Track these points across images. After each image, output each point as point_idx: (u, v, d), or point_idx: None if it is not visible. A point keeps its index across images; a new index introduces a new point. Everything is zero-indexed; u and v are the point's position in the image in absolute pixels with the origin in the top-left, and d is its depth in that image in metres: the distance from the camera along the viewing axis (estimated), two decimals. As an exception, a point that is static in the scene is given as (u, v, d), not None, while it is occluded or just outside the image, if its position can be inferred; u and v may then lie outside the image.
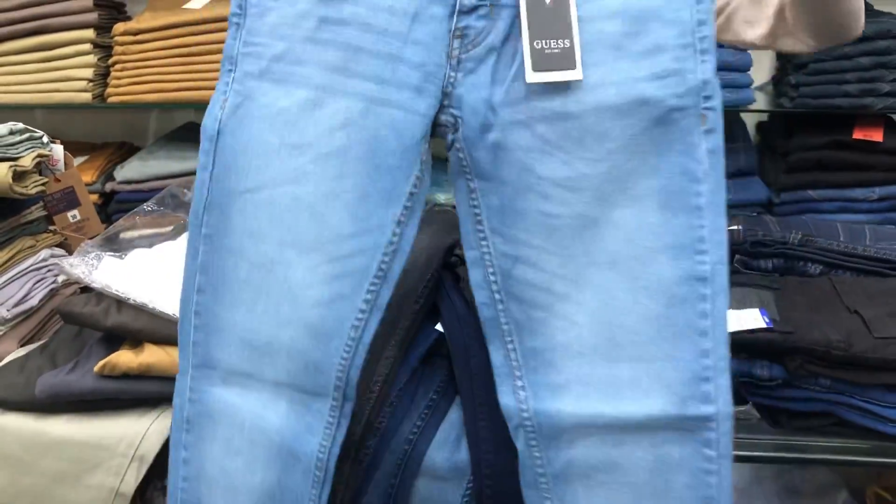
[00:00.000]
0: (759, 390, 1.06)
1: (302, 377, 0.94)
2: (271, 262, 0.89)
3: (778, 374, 1.04)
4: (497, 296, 0.88)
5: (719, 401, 0.82)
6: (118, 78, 2.11)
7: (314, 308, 0.90)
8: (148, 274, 1.11)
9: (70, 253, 1.37)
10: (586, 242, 0.84)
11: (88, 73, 2.12)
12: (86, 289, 1.14)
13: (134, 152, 2.31)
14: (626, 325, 0.83)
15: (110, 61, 2.11)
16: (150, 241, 1.18)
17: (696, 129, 0.83)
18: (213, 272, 0.95)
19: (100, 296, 1.08)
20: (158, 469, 1.07)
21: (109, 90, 2.13)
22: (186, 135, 2.34)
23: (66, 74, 2.11)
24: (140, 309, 1.07)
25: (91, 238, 1.37)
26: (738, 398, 1.10)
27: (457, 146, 0.87)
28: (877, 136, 1.96)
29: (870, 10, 2.01)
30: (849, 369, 1.01)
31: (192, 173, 2.24)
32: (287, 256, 0.89)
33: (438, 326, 1.08)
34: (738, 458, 0.97)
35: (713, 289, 0.82)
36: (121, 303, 1.08)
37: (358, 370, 0.92)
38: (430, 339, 1.06)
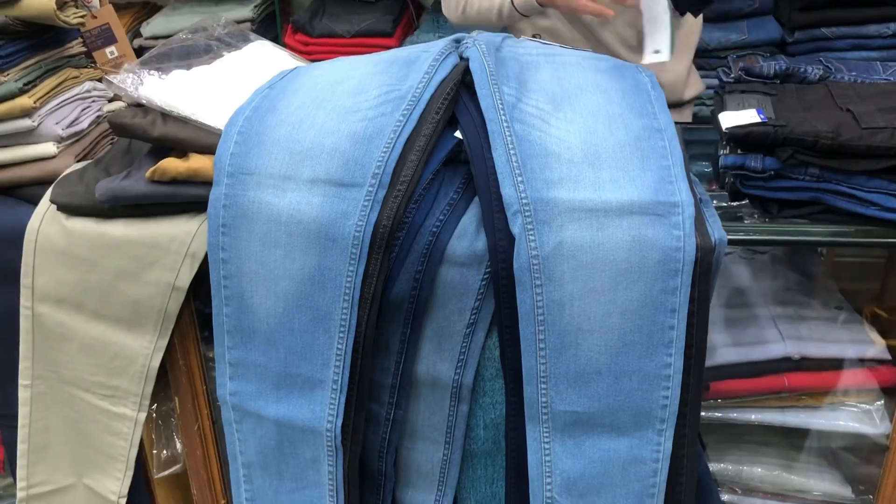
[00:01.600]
0: (753, 182, 1.15)
1: (341, 172, 1.07)
2: (324, 97, 1.13)
3: (770, 166, 1.13)
4: (503, 115, 1.07)
5: (682, 194, 1.02)
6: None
7: (359, 122, 1.09)
8: (188, 90, 1.20)
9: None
10: (573, 101, 1.13)
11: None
12: (131, 108, 1.23)
13: (157, 10, 2.36)
14: (606, 146, 1.06)
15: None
16: (187, 64, 1.26)
17: None
18: (263, 108, 1.14)
19: (146, 109, 1.18)
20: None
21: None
22: (206, -10, 2.38)
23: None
24: (184, 121, 1.17)
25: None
26: (734, 193, 1.19)
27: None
28: (891, -33, 1.97)
29: None
30: (836, 158, 1.10)
31: (213, 28, 2.27)
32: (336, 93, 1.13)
33: (458, 134, 1.16)
34: (732, 242, 1.07)
35: (668, 133, 1.09)
36: (166, 115, 1.17)
37: (394, 161, 1.07)
38: (450, 145, 1.15)
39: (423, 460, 1.20)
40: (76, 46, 1.40)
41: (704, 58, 2.05)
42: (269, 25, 2.29)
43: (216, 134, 1.16)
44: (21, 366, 1.27)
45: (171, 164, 1.14)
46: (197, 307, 1.26)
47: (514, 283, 1.05)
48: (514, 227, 1.03)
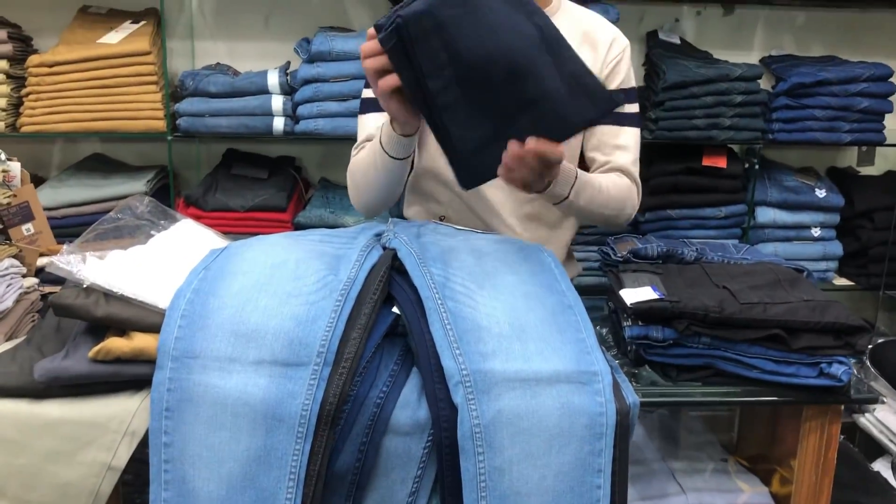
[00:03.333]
0: (654, 350, 1.32)
1: (286, 352, 1.13)
2: (263, 281, 1.21)
3: (669, 336, 1.30)
4: (436, 293, 1.21)
5: (600, 363, 1.16)
6: (32, 108, 2.18)
7: (301, 306, 1.17)
8: (128, 270, 1.23)
9: (24, 263, 1.45)
10: (493, 280, 1.27)
11: (1, 102, 2.17)
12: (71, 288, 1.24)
13: (39, 182, 2.35)
14: (528, 321, 1.19)
15: (23, 92, 2.17)
16: (123, 245, 1.30)
17: None
18: (203, 290, 1.20)
19: (87, 290, 1.19)
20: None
21: (23, 119, 2.18)
22: (94, 164, 2.41)
23: (-21, 104, 2.15)
24: (127, 300, 1.19)
25: (44, 251, 1.48)
26: (638, 359, 1.35)
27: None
28: (721, 163, 2.33)
29: (709, 58, 2.40)
30: (722, 328, 1.29)
31: (104, 200, 2.33)
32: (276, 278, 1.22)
33: (395, 310, 1.26)
34: (643, 404, 1.21)
35: (577, 308, 1.25)
36: (108, 295, 1.19)
37: (338, 340, 1.13)
38: (388, 320, 1.25)
39: None
40: (-6, 224, 1.40)
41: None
42: (162, 199, 2.33)
43: (158, 313, 1.19)
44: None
45: (116, 344, 1.15)
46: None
47: (457, 450, 1.13)
48: (457, 396, 1.13)
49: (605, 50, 1.60)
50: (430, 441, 1.16)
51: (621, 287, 1.36)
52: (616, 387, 1.18)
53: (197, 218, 2.24)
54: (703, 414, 1.84)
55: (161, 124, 2.20)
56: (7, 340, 1.27)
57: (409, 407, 1.17)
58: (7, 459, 1.15)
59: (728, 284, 1.34)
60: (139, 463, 1.16)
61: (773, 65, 2.46)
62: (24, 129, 2.19)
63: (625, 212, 1.54)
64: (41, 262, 1.60)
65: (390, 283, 1.28)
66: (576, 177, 1.42)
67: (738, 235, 2.41)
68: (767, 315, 1.27)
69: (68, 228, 2.01)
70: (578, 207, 1.45)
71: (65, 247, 1.25)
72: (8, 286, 1.33)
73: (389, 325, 1.24)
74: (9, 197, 1.31)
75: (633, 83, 1.64)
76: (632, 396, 1.18)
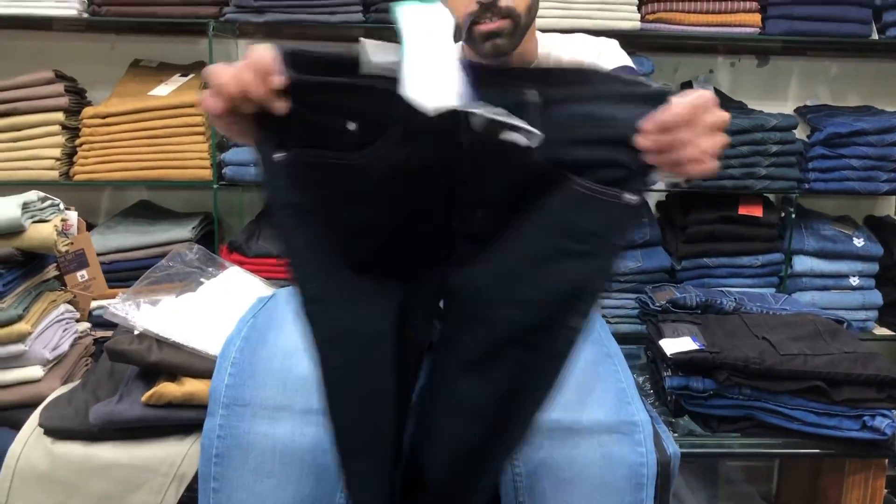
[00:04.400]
0: (695, 401, 1.32)
1: None
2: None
3: (709, 387, 1.30)
4: None
5: (640, 413, 1.16)
6: (85, 157, 2.25)
7: None
8: (179, 318, 1.27)
9: (78, 309, 1.50)
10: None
11: (56, 152, 2.25)
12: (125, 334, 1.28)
13: (89, 228, 2.42)
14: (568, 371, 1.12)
15: (77, 142, 2.24)
16: (174, 292, 1.34)
17: None
18: (252, 339, 1.22)
19: (140, 336, 1.24)
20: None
21: (76, 168, 2.26)
22: (141, 211, 2.48)
23: (35, 154, 2.23)
24: (178, 347, 1.23)
25: (96, 297, 1.53)
26: (678, 409, 1.35)
27: None
28: (757, 212, 2.33)
29: (743, 108, 2.42)
30: (763, 380, 1.29)
31: (152, 246, 2.38)
32: None
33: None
34: (683, 455, 1.21)
35: (617, 359, 1.24)
36: (160, 342, 1.24)
37: None
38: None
39: None
40: (51, 271, 1.45)
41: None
42: (206, 244, 2.38)
43: (209, 359, 1.23)
44: None
45: (168, 389, 1.19)
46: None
47: (498, 500, 1.14)
48: None
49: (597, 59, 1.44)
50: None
51: (661, 337, 1.37)
52: (657, 437, 1.19)
53: (240, 264, 2.29)
54: (743, 465, 1.83)
55: (208, 173, 2.26)
56: (63, 384, 1.32)
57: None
58: (62, 500, 1.19)
59: (768, 335, 1.34)
60: (188, 506, 1.19)
61: (808, 115, 2.46)
62: (76, 177, 2.26)
63: None
64: (93, 304, 1.66)
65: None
66: None
67: (776, 284, 2.40)
68: (808, 367, 1.27)
69: (117, 273, 2.06)
70: None
71: (120, 294, 1.29)
72: (64, 331, 1.38)
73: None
74: (66, 245, 1.37)
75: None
76: (672, 447, 1.18)
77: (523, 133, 0.89)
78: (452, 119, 0.88)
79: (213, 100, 0.87)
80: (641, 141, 0.87)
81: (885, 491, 1.62)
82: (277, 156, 0.92)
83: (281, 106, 0.88)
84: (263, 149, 0.92)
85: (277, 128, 0.90)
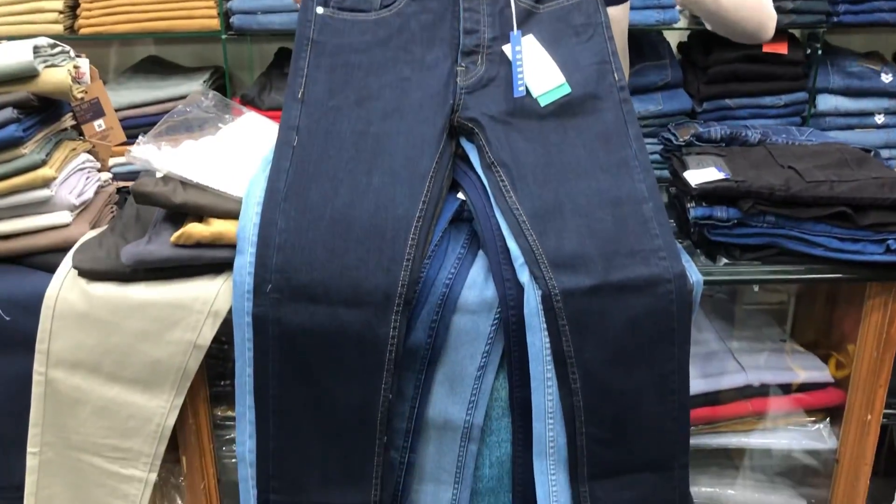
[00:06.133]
0: (719, 230, 1.32)
1: None
2: None
3: (734, 216, 1.30)
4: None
5: (665, 238, 1.15)
6: (89, 9, 2.19)
7: None
8: (201, 160, 1.27)
9: (97, 158, 1.50)
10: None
11: (59, 4, 2.19)
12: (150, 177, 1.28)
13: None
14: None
15: (81, -7, 2.18)
16: (193, 136, 1.34)
17: None
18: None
19: (165, 178, 1.24)
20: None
21: (80, 21, 2.21)
22: (150, 67, 2.44)
23: (38, 6, 2.17)
24: (202, 188, 1.23)
25: (117, 144, 1.52)
26: (702, 240, 1.36)
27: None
28: (782, 49, 2.26)
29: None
30: (788, 207, 1.29)
31: (164, 101, 2.37)
32: None
33: (460, 195, 1.28)
34: (707, 282, 1.22)
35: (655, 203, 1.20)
36: (185, 183, 1.24)
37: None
38: (454, 206, 1.27)
39: (432, 502, 1.27)
40: (68, 120, 1.44)
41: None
42: (218, 99, 2.36)
43: (234, 200, 1.23)
44: (30, 433, 1.26)
45: (196, 230, 1.20)
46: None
47: (523, 327, 1.16)
48: (522, 276, 1.16)
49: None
50: (497, 319, 1.20)
51: (685, 169, 1.36)
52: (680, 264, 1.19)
53: (254, 117, 2.28)
54: (757, 307, 1.85)
55: (215, 23, 2.21)
56: (91, 229, 1.33)
57: (477, 287, 1.21)
58: (101, 339, 1.22)
59: (794, 164, 1.33)
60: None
61: (839, -56, 2.35)
62: (82, 31, 2.22)
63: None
64: (112, 162, 1.66)
65: (455, 170, 1.30)
66: None
67: (798, 124, 2.36)
68: (834, 192, 1.26)
69: (130, 129, 2.04)
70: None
71: (140, 137, 1.28)
72: (87, 179, 1.38)
73: (455, 211, 1.26)
74: (81, 92, 1.35)
75: None
76: (696, 275, 1.19)
77: None
78: None
79: None
80: None
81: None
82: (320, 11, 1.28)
83: None
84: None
85: None
